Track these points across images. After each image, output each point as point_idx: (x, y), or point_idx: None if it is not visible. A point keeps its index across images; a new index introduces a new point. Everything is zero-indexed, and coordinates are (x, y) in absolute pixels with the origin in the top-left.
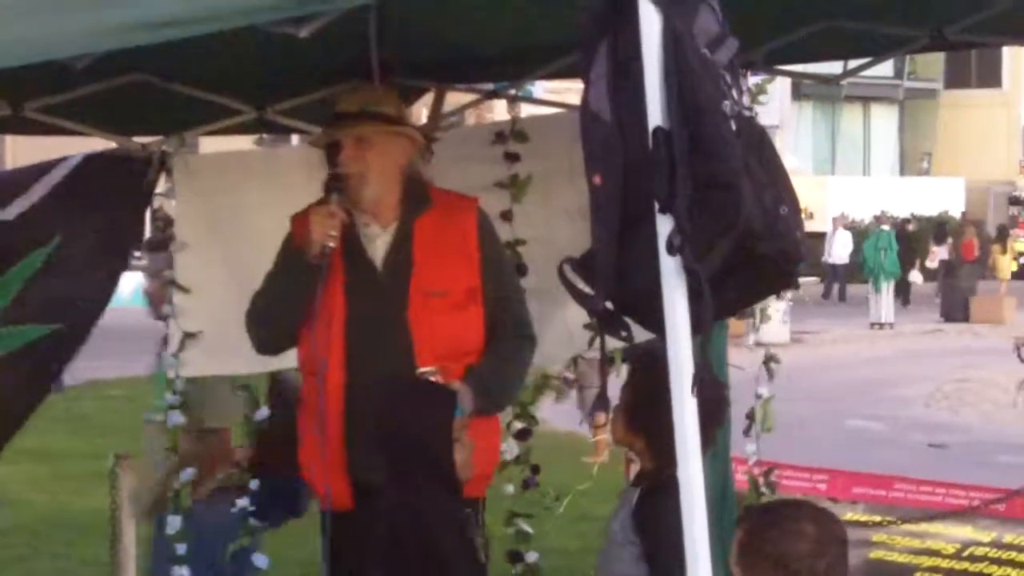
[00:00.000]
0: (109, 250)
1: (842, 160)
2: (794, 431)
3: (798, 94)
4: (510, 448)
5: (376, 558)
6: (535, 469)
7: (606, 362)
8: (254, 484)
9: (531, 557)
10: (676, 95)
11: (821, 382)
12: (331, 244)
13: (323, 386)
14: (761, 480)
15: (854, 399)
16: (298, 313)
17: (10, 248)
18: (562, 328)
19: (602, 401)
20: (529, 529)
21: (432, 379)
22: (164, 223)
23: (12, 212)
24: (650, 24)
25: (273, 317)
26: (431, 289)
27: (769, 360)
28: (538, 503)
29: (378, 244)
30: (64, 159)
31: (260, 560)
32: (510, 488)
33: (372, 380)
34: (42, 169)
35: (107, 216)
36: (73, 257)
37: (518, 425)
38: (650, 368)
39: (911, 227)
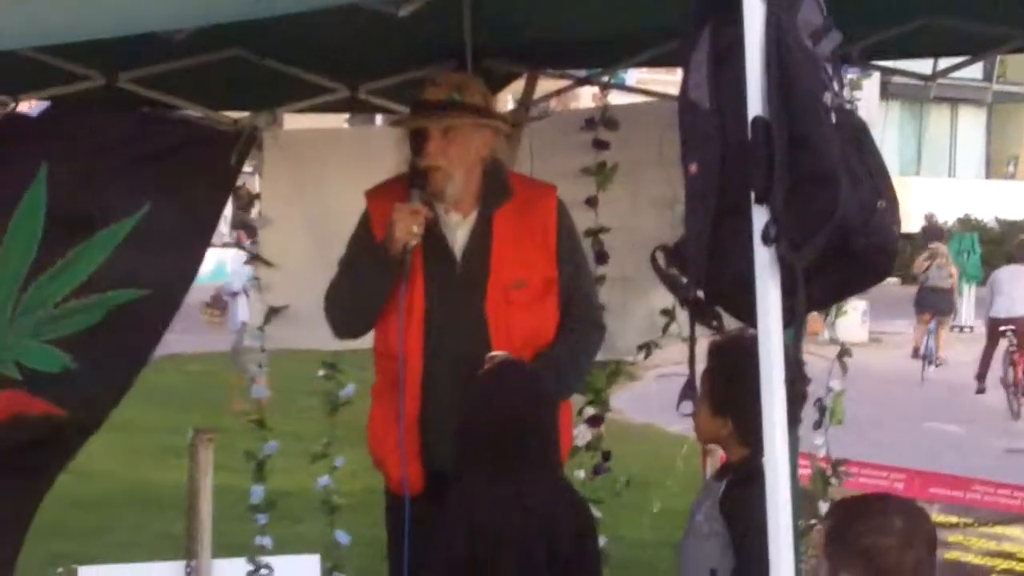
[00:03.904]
0: (195, 223)
1: (928, 161)
2: (871, 432)
3: (886, 94)
4: (581, 434)
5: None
6: (606, 456)
7: (695, 351)
8: (339, 461)
9: (600, 542)
10: (777, 85)
11: (899, 383)
12: (414, 242)
13: (402, 374)
14: (830, 471)
15: (932, 401)
16: (378, 304)
17: (102, 210)
18: (641, 317)
19: (690, 389)
20: (598, 514)
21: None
22: (246, 200)
23: None
24: (753, 13)
25: (354, 306)
26: (510, 281)
27: (843, 354)
28: (609, 489)
29: (458, 235)
30: None
31: (342, 537)
32: (581, 474)
33: (449, 370)
34: None
35: (194, 189)
36: (160, 226)
37: (590, 411)
38: (731, 352)
39: None
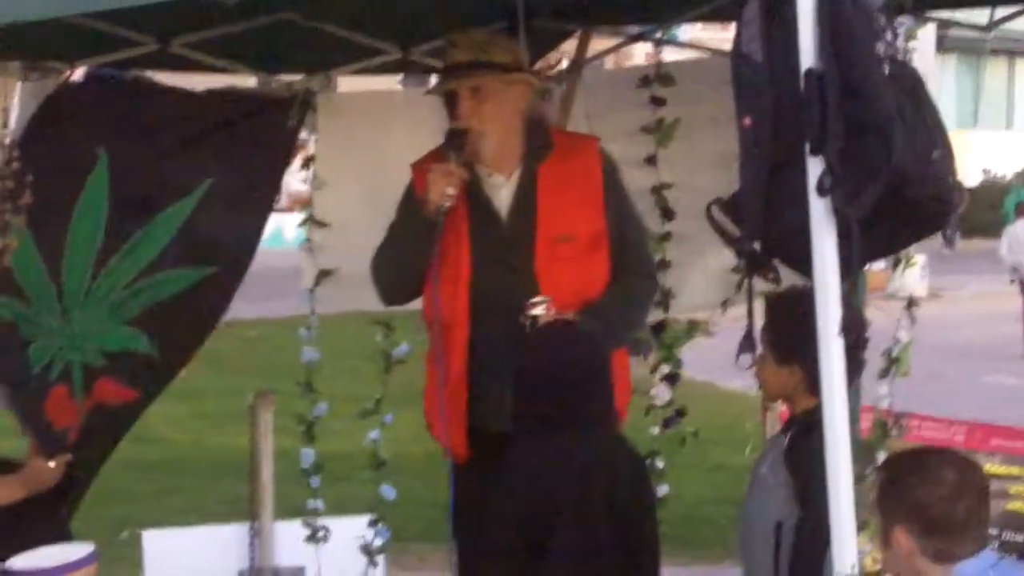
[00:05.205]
0: (255, 193)
1: (985, 115)
2: (931, 385)
3: (942, 47)
4: (661, 394)
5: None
6: (680, 412)
7: (753, 304)
8: (388, 418)
9: (661, 491)
10: (829, 36)
11: (959, 337)
12: (447, 204)
13: (448, 338)
14: (891, 422)
15: (992, 355)
16: (419, 267)
17: (162, 190)
18: (705, 273)
19: (748, 343)
20: (660, 464)
21: (539, 312)
22: (303, 163)
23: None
24: None
25: (395, 270)
26: (557, 235)
27: (911, 304)
28: (673, 442)
29: (503, 194)
30: None
31: (388, 492)
32: (655, 430)
33: (499, 332)
34: None
35: (252, 160)
36: (222, 201)
37: (665, 369)
38: (792, 302)
39: None
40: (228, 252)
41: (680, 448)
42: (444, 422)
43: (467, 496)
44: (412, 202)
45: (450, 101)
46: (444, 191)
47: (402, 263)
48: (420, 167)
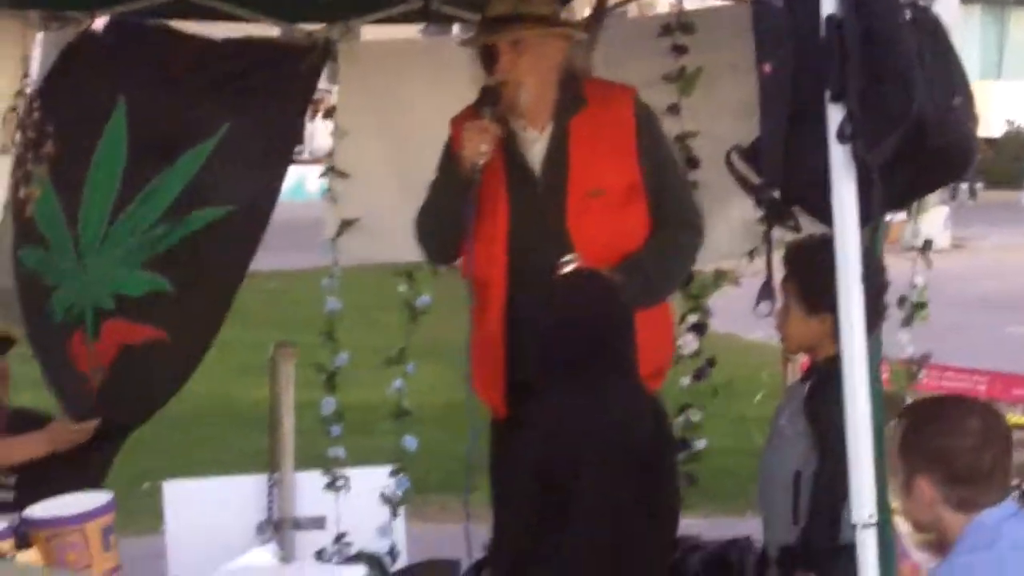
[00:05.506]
0: (274, 140)
1: (1009, 65)
2: (952, 337)
3: None
4: (687, 343)
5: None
6: (711, 362)
7: (772, 252)
8: (410, 368)
9: (699, 444)
10: None
11: (981, 288)
12: (482, 161)
13: (485, 295)
14: (914, 368)
15: (1014, 306)
16: (460, 225)
17: (181, 135)
18: (728, 223)
19: (767, 292)
20: (694, 418)
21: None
22: (325, 114)
23: None
24: None
25: (437, 229)
26: (589, 189)
27: (926, 247)
28: (706, 393)
29: (536, 149)
30: None
31: (410, 442)
32: (685, 381)
33: (535, 286)
34: None
35: (271, 107)
36: (241, 145)
37: (692, 319)
38: (816, 250)
39: None
40: (246, 197)
41: (711, 399)
42: (482, 378)
43: (503, 450)
44: (451, 160)
45: (486, 54)
46: (478, 148)
47: (442, 222)
48: (457, 122)
